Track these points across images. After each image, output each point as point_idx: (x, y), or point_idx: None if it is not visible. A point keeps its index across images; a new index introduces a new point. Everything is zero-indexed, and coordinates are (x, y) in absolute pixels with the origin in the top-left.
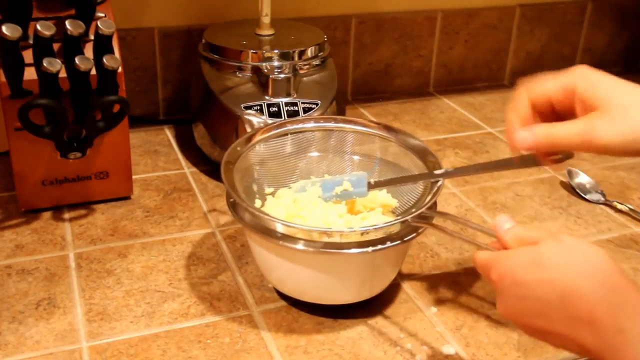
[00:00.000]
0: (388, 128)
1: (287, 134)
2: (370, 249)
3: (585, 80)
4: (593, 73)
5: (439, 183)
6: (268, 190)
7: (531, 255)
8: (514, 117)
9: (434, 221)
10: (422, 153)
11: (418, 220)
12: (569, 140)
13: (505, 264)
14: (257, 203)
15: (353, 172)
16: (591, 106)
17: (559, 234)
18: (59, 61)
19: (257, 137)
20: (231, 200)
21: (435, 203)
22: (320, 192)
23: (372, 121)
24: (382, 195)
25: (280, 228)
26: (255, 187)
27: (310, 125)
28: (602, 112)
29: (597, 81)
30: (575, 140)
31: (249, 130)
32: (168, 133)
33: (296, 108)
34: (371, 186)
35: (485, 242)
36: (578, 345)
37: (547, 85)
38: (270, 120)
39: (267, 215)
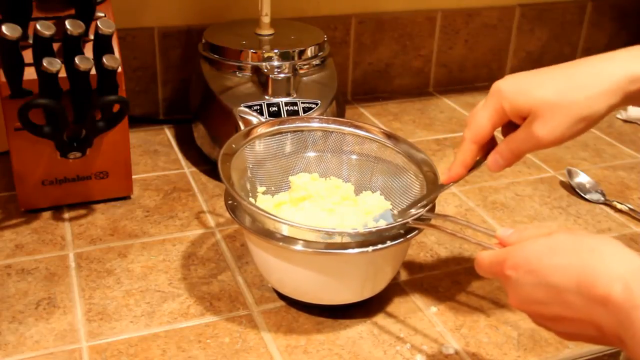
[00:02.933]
0: (389, 135)
1: (281, 133)
2: (370, 248)
3: (507, 99)
4: (511, 87)
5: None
6: (260, 189)
7: (545, 243)
8: (464, 162)
9: (435, 222)
10: (419, 161)
11: (419, 222)
12: (523, 146)
13: (519, 254)
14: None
15: (377, 212)
16: (523, 114)
17: (569, 228)
18: (58, 61)
19: (254, 134)
20: (229, 202)
21: (434, 204)
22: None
23: (376, 127)
24: (375, 198)
25: (283, 227)
26: (248, 186)
27: (306, 124)
28: (535, 117)
29: (516, 94)
30: (528, 146)
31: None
32: (168, 133)
33: (296, 108)
34: (396, 217)
35: (487, 243)
36: (594, 328)
37: (485, 125)
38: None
39: (267, 213)
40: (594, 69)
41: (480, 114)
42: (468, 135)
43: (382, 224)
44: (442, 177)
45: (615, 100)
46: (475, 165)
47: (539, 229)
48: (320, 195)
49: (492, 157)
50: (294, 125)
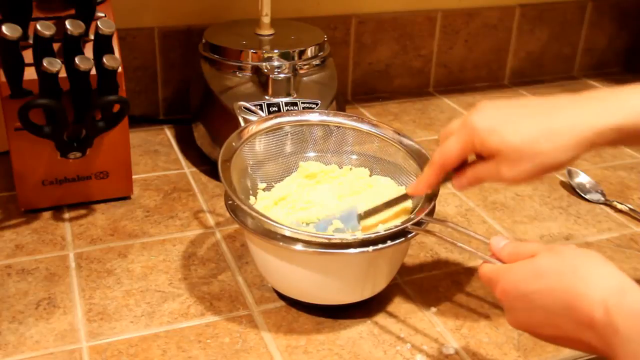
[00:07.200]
0: (392, 131)
1: (281, 128)
2: (370, 248)
3: (479, 137)
4: (484, 125)
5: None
6: (261, 185)
7: (530, 267)
8: (429, 183)
9: (433, 227)
10: (419, 155)
11: (417, 227)
12: (488, 179)
13: (507, 278)
14: (251, 200)
15: (343, 208)
16: (491, 154)
17: (554, 245)
18: (59, 61)
19: (252, 130)
20: (229, 202)
21: (433, 207)
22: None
23: (378, 122)
24: (388, 182)
25: (282, 232)
26: (248, 183)
27: (306, 118)
28: (502, 158)
29: (487, 133)
30: (492, 179)
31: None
32: (168, 133)
33: (296, 108)
34: (361, 217)
35: (483, 254)
36: (587, 347)
37: (454, 154)
38: None
39: (270, 219)
40: (565, 119)
41: (451, 143)
42: (437, 159)
43: (349, 226)
44: (408, 189)
45: (581, 151)
46: (442, 181)
47: (530, 245)
48: (332, 175)
49: (459, 180)
50: (294, 118)
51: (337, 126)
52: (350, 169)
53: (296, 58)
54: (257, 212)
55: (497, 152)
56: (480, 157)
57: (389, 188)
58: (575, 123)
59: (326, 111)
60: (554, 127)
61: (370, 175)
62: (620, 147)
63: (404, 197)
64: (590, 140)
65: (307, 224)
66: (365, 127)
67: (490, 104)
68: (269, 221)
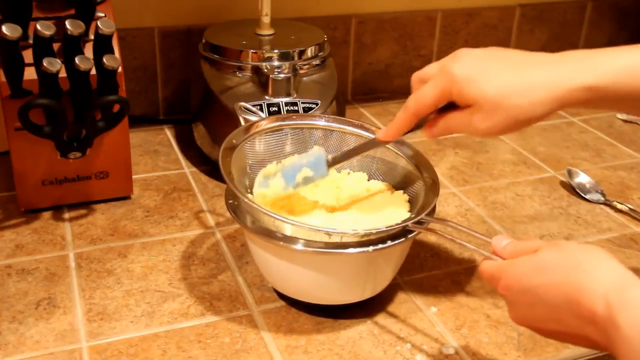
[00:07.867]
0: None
1: (281, 129)
2: (370, 248)
3: (456, 83)
4: (463, 73)
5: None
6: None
7: (533, 262)
8: (400, 129)
9: (434, 226)
10: (419, 161)
11: (418, 226)
12: (460, 129)
13: (510, 273)
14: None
15: (310, 152)
16: (467, 103)
17: (556, 241)
18: (59, 61)
19: (254, 130)
20: (230, 201)
21: (434, 207)
22: (283, 183)
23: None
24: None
25: (282, 226)
26: (247, 182)
27: (307, 122)
28: (477, 109)
29: (466, 81)
30: (464, 130)
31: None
32: (168, 133)
33: (296, 108)
34: (329, 164)
35: (485, 251)
36: (589, 342)
37: (430, 101)
38: None
39: (268, 211)
40: (542, 74)
41: (427, 90)
42: (412, 106)
43: (318, 174)
44: (378, 134)
45: (554, 107)
46: (411, 130)
47: (532, 242)
48: (330, 179)
49: (429, 130)
50: (295, 122)
51: (338, 131)
52: (348, 173)
53: (296, 58)
54: (255, 203)
55: (473, 102)
56: (453, 106)
57: (387, 192)
58: (551, 79)
59: (330, 116)
60: (530, 82)
61: (369, 180)
62: (592, 108)
63: (372, 143)
64: (564, 97)
65: (275, 174)
66: (366, 134)
67: (470, 52)
68: (267, 212)
